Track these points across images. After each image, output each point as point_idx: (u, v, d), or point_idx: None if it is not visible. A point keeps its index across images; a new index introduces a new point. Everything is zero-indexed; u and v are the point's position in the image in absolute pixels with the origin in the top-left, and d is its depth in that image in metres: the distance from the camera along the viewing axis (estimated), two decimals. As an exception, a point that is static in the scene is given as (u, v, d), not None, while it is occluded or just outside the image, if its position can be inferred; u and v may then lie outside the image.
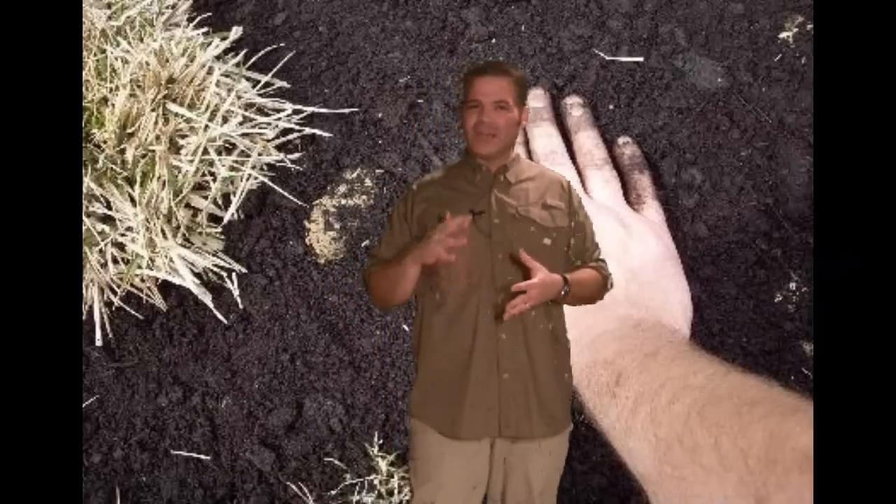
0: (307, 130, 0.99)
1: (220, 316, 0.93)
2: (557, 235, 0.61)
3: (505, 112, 0.60)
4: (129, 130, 0.92)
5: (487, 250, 0.59)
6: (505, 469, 0.60)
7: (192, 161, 0.91)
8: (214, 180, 0.94)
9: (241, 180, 0.94)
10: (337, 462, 0.88)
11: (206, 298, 0.93)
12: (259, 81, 0.99)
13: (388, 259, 0.61)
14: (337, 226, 0.96)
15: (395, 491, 0.86)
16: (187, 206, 0.95)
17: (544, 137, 0.95)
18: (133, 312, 0.94)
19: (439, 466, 0.59)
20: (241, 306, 0.94)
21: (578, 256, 0.63)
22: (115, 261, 0.92)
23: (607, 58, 1.00)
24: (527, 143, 0.96)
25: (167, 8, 1.01)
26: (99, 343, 0.93)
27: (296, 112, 0.99)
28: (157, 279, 0.94)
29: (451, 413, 0.59)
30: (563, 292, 0.58)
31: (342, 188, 0.98)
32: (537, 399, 0.59)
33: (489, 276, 0.59)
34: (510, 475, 0.60)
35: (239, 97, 0.96)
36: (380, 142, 0.99)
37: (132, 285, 0.94)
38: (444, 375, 0.60)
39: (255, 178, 0.95)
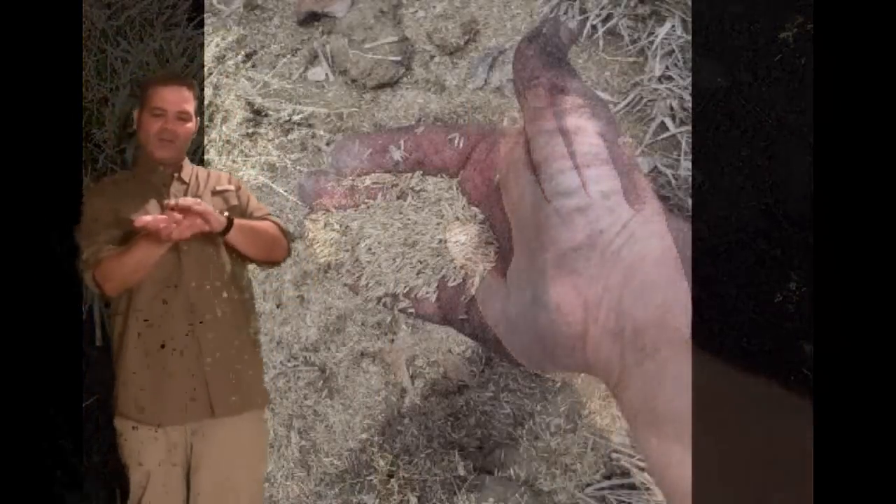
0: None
1: (220, 316, 0.93)
2: (230, 215, 0.75)
3: (184, 123, 0.73)
4: (129, 130, 0.92)
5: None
6: (195, 447, 0.69)
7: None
8: (214, 180, 0.94)
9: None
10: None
11: (207, 298, 0.93)
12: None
13: (117, 246, 0.71)
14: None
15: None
16: (187, 206, 0.95)
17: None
18: (133, 312, 0.94)
19: (142, 454, 0.69)
20: (241, 306, 0.94)
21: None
22: (115, 261, 0.92)
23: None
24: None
25: (167, 8, 1.01)
26: (99, 343, 0.93)
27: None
28: (157, 279, 0.94)
29: (153, 404, 0.69)
30: (226, 223, 0.70)
31: (342, 188, 0.98)
32: (237, 378, 0.71)
33: (178, 267, 0.71)
34: (203, 454, 0.69)
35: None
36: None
37: (132, 285, 0.93)
38: (145, 371, 0.70)
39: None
